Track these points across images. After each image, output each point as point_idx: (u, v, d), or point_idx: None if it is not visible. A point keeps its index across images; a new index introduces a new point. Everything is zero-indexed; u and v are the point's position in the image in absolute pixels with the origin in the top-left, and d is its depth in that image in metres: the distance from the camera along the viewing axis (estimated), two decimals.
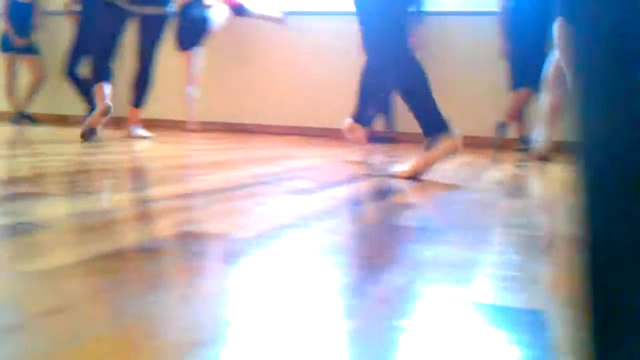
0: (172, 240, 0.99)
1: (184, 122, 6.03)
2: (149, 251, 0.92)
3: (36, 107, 6.49)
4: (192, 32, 5.44)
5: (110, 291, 0.71)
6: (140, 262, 0.85)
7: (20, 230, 1.02)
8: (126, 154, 2.84)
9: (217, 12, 5.54)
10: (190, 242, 0.99)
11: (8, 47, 6.13)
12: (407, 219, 1.33)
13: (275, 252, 0.96)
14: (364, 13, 2.81)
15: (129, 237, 1.01)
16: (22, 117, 6.18)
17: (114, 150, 2.99)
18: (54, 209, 1.24)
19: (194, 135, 5.07)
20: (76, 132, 4.64)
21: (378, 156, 3.49)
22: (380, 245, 1.05)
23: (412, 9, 5.11)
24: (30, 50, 6.17)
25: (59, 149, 2.97)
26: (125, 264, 0.84)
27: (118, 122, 6.28)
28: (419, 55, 5.21)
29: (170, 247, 0.95)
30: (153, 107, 6.18)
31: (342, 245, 1.03)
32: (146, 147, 3.41)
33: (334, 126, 5.83)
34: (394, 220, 1.30)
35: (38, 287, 0.72)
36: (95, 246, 0.93)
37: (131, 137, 4.27)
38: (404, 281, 0.82)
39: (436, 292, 0.78)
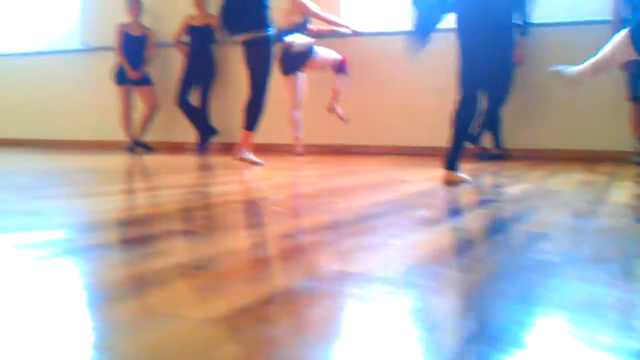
0: (325, 281, 1.03)
1: (289, 145, 6.16)
2: (308, 293, 0.96)
3: (150, 136, 6.81)
4: (295, 57, 5.55)
5: (285, 338, 0.76)
6: (303, 306, 0.89)
7: (186, 273, 1.09)
8: (244, 183, 2.95)
9: (325, 50, 5.61)
10: (343, 282, 1.03)
11: (123, 80, 6.48)
12: (543, 251, 1.32)
13: (422, 293, 0.98)
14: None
15: (283, 278, 1.06)
16: (137, 146, 6.49)
17: (231, 180, 3.10)
18: (200, 248, 1.32)
19: (300, 159, 5.17)
20: (189, 159, 4.84)
21: (487, 176, 3.45)
22: (524, 284, 1.05)
23: (517, 21, 5.02)
24: (143, 81, 6.50)
25: (178, 180, 3.11)
26: (289, 307, 0.88)
27: (229, 148, 6.50)
28: (523, 69, 5.13)
29: (326, 288, 0.99)
30: (259, 132, 6.35)
31: (486, 284, 1.04)
32: (260, 175, 3.51)
33: (433, 144, 5.79)
34: (531, 254, 1.29)
35: (214, 335, 0.77)
36: (254, 289, 0.98)
37: (241, 159, 4.40)
38: (562, 327, 0.82)
39: (598, 339, 0.78)
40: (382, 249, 1.31)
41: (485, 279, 1.07)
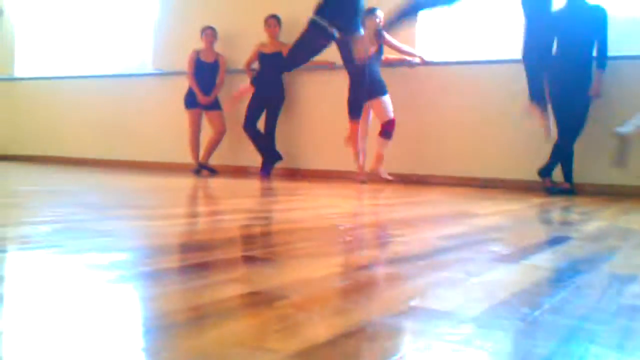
0: (406, 317, 1.00)
1: (351, 173, 6.15)
2: (390, 329, 0.93)
3: (215, 159, 6.92)
4: (364, 89, 5.57)
5: None
6: (386, 343, 0.86)
7: (263, 302, 1.07)
8: (309, 210, 2.94)
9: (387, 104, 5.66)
10: (425, 319, 0.99)
11: (193, 104, 6.62)
12: (633, 295, 1.25)
13: (509, 334, 0.93)
14: None
15: (363, 312, 1.03)
16: (203, 169, 6.60)
17: (296, 206, 3.10)
18: (274, 276, 1.31)
19: (364, 187, 5.15)
20: (253, 184, 4.88)
21: (558, 211, 3.35)
22: (616, 330, 1.00)
23: (594, 53, 4.91)
24: (213, 106, 6.62)
25: (244, 204, 3.13)
26: (372, 343, 0.86)
27: (293, 174, 6.54)
28: (598, 102, 4.99)
29: (407, 325, 0.96)
30: (322, 159, 6.38)
31: (576, 329, 0.99)
32: (325, 202, 3.50)
33: (500, 176, 5.68)
34: (619, 297, 1.23)
35: None
36: (334, 322, 0.96)
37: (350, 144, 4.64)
38: None
39: None
40: (461, 286, 1.27)
41: (575, 323, 1.02)
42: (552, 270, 1.50)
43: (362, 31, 4.63)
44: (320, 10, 4.61)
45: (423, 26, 6.13)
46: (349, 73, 4.85)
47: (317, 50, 4.84)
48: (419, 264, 1.50)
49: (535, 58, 3.96)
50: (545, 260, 1.65)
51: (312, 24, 4.63)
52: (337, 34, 4.61)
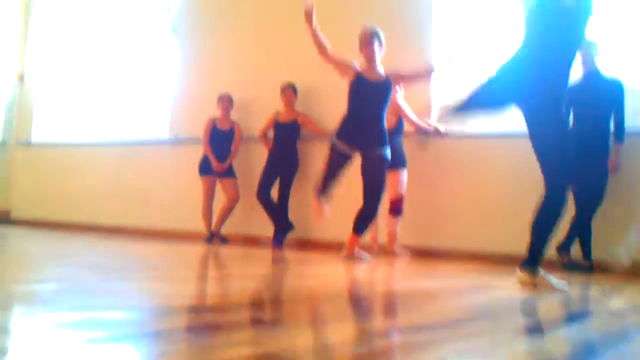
0: None
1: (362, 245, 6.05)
2: None
3: (227, 228, 6.85)
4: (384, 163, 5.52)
5: None
6: None
7: None
8: (322, 277, 2.86)
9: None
10: None
11: (207, 171, 6.61)
12: None
13: None
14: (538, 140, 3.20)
15: None
16: (215, 237, 6.53)
17: (309, 274, 3.02)
18: (287, 340, 1.23)
19: (376, 258, 5.04)
20: (265, 253, 4.81)
21: (578, 288, 3.24)
22: None
23: (611, 127, 4.88)
24: (227, 173, 6.61)
25: (256, 271, 3.06)
26: None
27: (305, 244, 6.46)
28: (618, 178, 4.92)
29: None
30: (335, 229, 6.30)
31: None
32: (337, 270, 3.42)
33: (519, 252, 5.58)
34: None
35: None
36: None
37: (350, 257, 4.56)
38: None
39: None
40: (488, 356, 1.18)
41: None
42: (582, 344, 1.41)
43: (387, 151, 4.67)
44: (338, 133, 4.66)
45: (439, 97, 6.16)
46: (365, 185, 4.80)
47: (343, 166, 4.90)
48: (441, 333, 1.42)
49: (553, 217, 3.03)
50: (572, 334, 1.56)
51: (332, 147, 4.68)
52: (355, 151, 4.71)
